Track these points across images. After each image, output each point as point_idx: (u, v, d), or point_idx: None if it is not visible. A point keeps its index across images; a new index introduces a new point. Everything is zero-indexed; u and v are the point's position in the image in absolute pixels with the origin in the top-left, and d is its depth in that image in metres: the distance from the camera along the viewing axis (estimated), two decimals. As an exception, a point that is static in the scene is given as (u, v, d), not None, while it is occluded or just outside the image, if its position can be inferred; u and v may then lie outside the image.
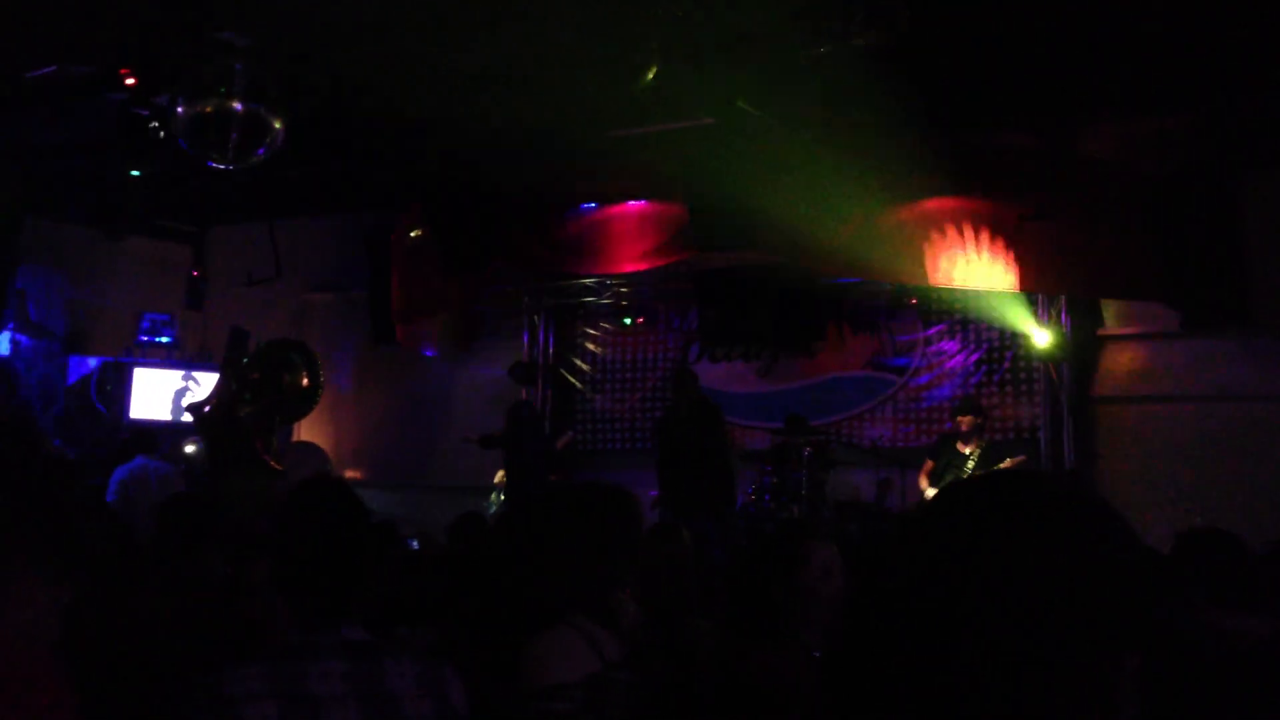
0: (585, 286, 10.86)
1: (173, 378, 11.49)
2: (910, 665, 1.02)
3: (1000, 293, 8.71)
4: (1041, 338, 8.93)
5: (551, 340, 11.37)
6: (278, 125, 6.63)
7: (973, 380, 9.57)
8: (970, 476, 1.11)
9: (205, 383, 11.27)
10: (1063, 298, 8.97)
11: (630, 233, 9.34)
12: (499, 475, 9.86)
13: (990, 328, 9.51)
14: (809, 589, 2.63)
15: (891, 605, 1.06)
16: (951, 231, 8.30)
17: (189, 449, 10.77)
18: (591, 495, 2.89)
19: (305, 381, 6.66)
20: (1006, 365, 9.47)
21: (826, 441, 9.16)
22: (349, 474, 11.03)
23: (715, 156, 8.21)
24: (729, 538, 7.90)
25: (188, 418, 8.27)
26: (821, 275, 9.54)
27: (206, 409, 6.95)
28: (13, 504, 2.25)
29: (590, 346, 11.26)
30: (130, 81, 7.29)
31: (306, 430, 11.03)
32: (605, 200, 9.37)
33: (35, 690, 1.87)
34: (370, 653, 2.22)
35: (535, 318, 11.32)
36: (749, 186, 8.16)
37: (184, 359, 11.80)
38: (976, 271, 8.36)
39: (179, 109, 6.63)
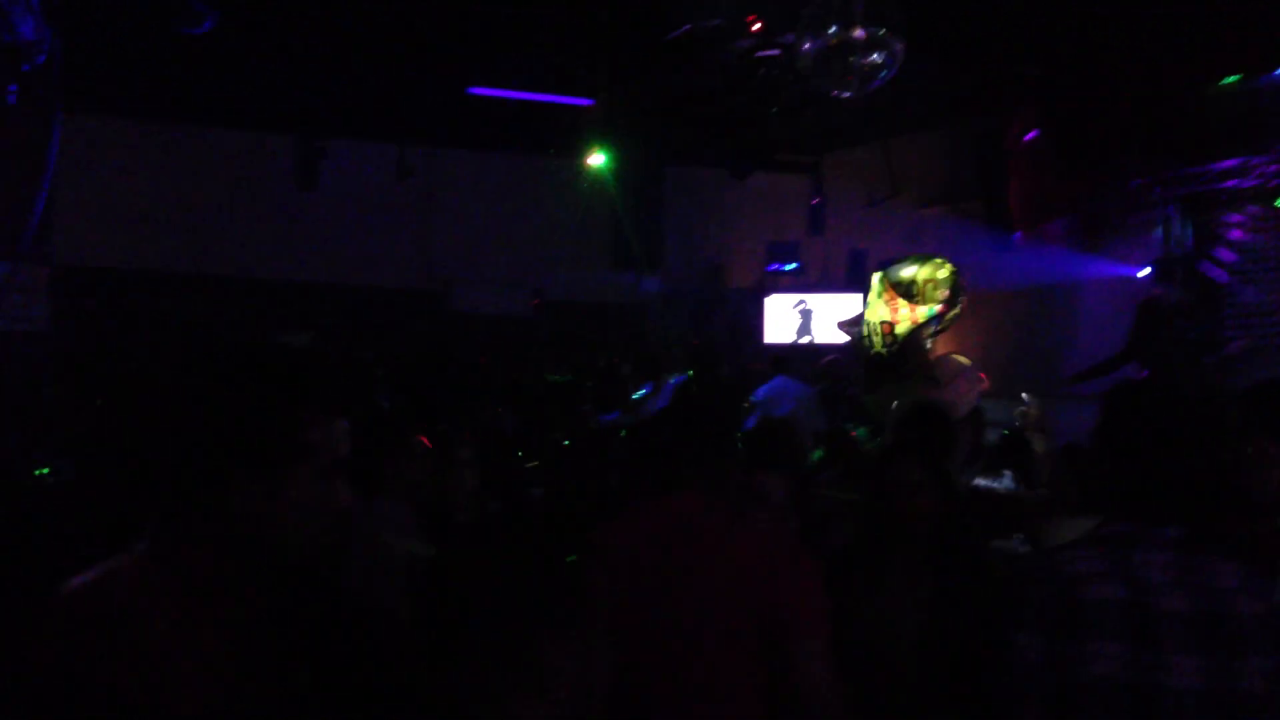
0: (1225, 169, 9.79)
1: (795, 300, 12.25)
2: None
3: None
4: None
5: (1189, 232, 10.44)
6: (899, 46, 6.71)
7: None
8: None
9: (819, 305, 11.89)
10: None
11: (1289, 101, 8.22)
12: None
13: None
14: None
15: None
16: None
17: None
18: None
19: (947, 294, 6.82)
20: None
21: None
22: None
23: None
24: None
25: (843, 337, 8.76)
26: None
27: (860, 328, 7.35)
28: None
29: (1235, 235, 10.17)
30: (756, 27, 7.81)
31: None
32: (1253, 65, 8.29)
33: None
34: (1195, 547, 2.25)
35: (1168, 209, 10.45)
36: None
37: (808, 284, 12.51)
38: None
39: (804, 45, 6.94)
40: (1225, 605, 2.17)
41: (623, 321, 12.05)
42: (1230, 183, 9.96)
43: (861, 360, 8.51)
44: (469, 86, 9.62)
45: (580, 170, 11.71)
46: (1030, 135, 9.74)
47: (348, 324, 10.72)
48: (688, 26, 8.37)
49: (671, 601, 2.57)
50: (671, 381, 8.61)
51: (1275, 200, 9.80)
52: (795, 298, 12.33)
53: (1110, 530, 2.31)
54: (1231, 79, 8.39)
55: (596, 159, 11.69)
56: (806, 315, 12.23)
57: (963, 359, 7.81)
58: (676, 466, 2.70)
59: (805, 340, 12.14)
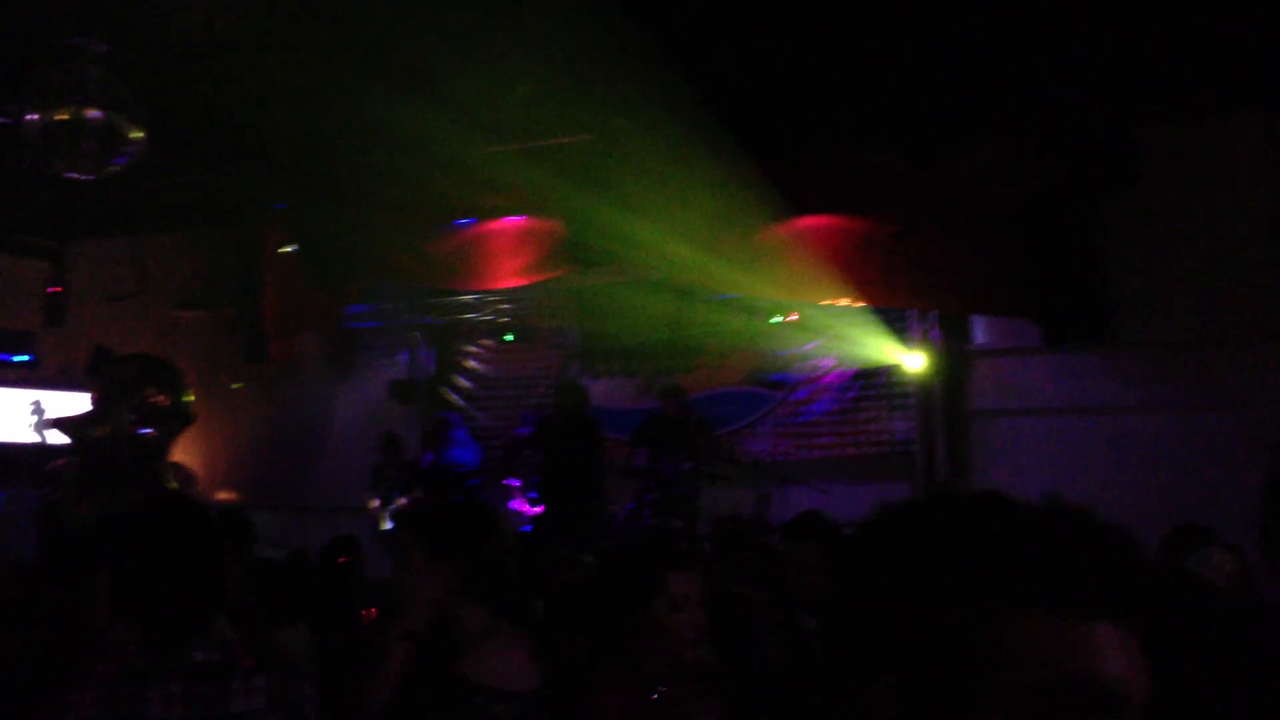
0: (465, 303, 10.73)
1: (30, 398, 10.99)
2: None
3: (868, 320, 9.02)
4: (914, 360, 9.19)
5: (432, 358, 11.20)
6: (137, 134, 6.37)
7: (849, 395, 9.71)
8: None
9: (58, 403, 10.81)
10: (934, 315, 9.18)
11: (507, 248, 9.23)
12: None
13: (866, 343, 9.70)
14: (659, 621, 2.49)
15: None
16: (826, 248, 8.41)
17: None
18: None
19: (166, 400, 6.39)
20: (881, 380, 9.63)
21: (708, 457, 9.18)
22: (222, 495, 10.68)
23: (593, 173, 8.19)
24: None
25: (56, 437, 7.83)
26: (700, 292, 9.60)
27: (87, 428, 6.57)
28: None
29: (471, 364, 11.13)
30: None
31: (179, 452, 10.63)
32: (482, 215, 9.25)
33: None
34: (218, 674, 2.11)
35: (415, 334, 11.14)
36: (626, 203, 8.16)
37: (45, 378, 11.30)
38: (851, 287, 8.49)
39: (30, 116, 6.32)
40: None
41: None
42: (469, 315, 10.92)
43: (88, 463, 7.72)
44: None
45: None
46: (288, 247, 9.81)
47: None
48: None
49: None
50: None
51: (505, 335, 10.90)
52: (29, 393, 11.05)
53: (125, 667, 2.11)
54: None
55: None
56: (41, 414, 11.00)
57: (180, 466, 7.50)
58: None
59: (38, 441, 10.90)
